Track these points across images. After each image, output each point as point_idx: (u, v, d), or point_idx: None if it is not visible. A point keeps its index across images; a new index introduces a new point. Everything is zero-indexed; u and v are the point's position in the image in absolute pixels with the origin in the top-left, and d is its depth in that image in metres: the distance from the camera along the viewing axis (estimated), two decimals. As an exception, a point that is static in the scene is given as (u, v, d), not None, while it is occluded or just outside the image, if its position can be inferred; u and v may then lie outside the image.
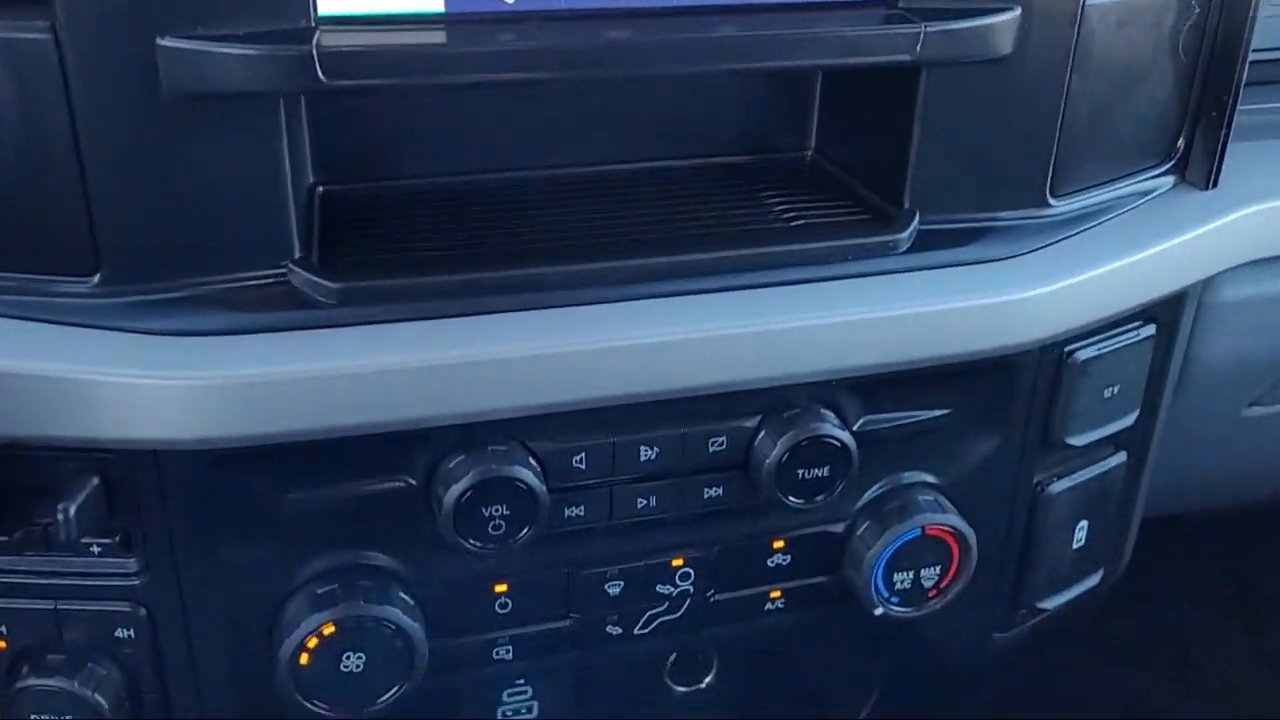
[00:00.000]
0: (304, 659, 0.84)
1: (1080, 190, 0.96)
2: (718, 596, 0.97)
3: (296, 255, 0.80)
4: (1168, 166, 1.02)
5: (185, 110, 0.74)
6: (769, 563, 0.97)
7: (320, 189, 0.91)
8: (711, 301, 0.85)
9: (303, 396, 0.77)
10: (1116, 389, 1.01)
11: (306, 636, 0.84)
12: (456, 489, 0.82)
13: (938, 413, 0.96)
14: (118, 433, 0.77)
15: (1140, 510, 1.16)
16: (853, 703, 1.28)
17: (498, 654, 0.93)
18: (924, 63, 0.85)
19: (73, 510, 0.77)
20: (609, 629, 0.95)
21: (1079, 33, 0.88)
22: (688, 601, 0.96)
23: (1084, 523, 1.07)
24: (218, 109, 0.75)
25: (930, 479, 0.98)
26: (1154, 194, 1.01)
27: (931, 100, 0.87)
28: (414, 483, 0.85)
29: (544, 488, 0.84)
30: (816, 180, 0.99)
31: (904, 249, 0.89)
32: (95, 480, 0.79)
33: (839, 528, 0.97)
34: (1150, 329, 1.01)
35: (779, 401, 0.89)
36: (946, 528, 0.96)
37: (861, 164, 0.96)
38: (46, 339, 0.77)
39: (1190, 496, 1.30)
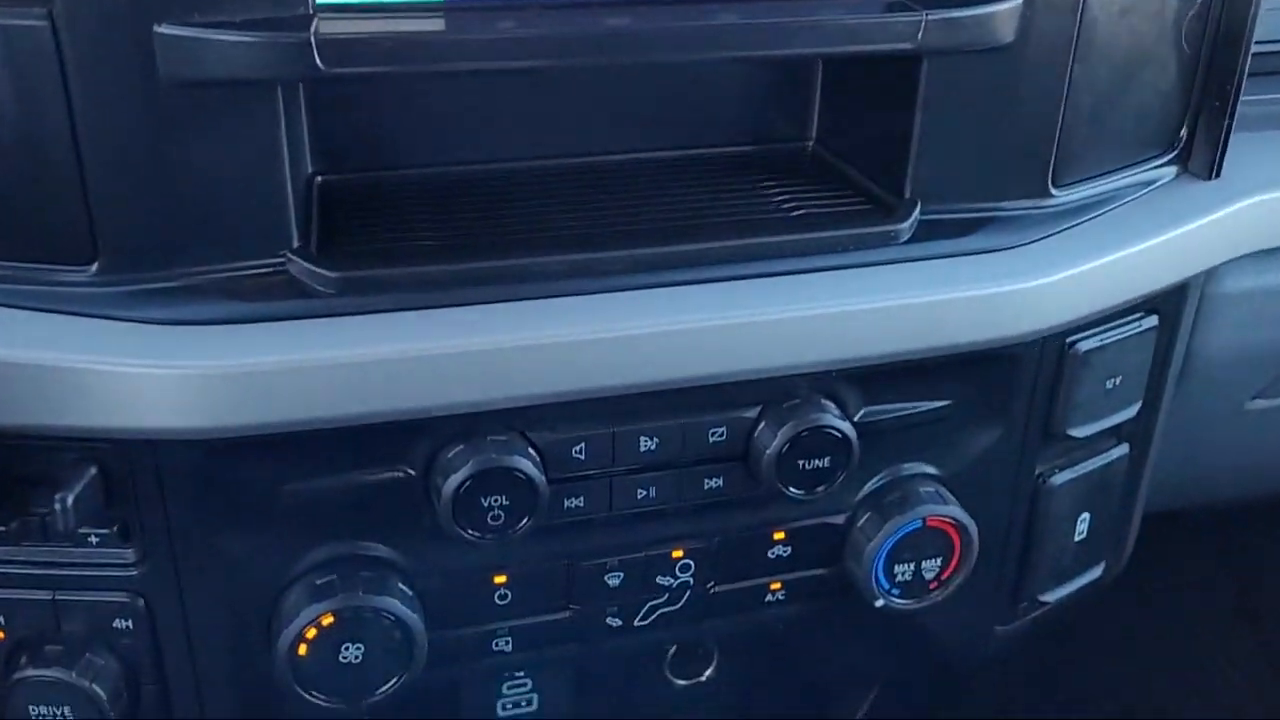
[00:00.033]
0: (302, 650, 0.84)
1: (1082, 180, 0.96)
2: (718, 588, 0.96)
3: (295, 244, 0.80)
4: (1170, 157, 1.02)
5: (183, 98, 0.74)
6: (769, 554, 0.96)
7: (319, 178, 0.90)
8: (712, 291, 0.84)
9: (301, 386, 0.77)
10: (1118, 380, 1.00)
11: (305, 627, 0.83)
12: (455, 479, 0.82)
13: (939, 403, 0.95)
14: (116, 422, 0.76)
15: (1142, 503, 1.16)
16: (854, 696, 1.28)
17: (497, 645, 0.93)
18: (925, 51, 0.85)
19: (70, 500, 0.77)
20: (609, 620, 0.95)
21: (1081, 21, 0.88)
22: (688, 593, 0.96)
23: (1086, 515, 1.07)
24: (216, 97, 0.75)
25: (931, 470, 0.98)
26: (1156, 184, 1.01)
27: (933, 89, 0.87)
28: (413, 473, 0.85)
29: (543, 478, 0.84)
30: (817, 170, 0.99)
31: (905, 239, 0.89)
32: (93, 470, 0.79)
33: (840, 519, 0.97)
34: (1152, 320, 1.01)
35: (779, 392, 0.89)
36: (948, 519, 0.95)
37: (862, 154, 0.96)
38: (44, 328, 0.76)
39: (1193, 491, 1.29)
